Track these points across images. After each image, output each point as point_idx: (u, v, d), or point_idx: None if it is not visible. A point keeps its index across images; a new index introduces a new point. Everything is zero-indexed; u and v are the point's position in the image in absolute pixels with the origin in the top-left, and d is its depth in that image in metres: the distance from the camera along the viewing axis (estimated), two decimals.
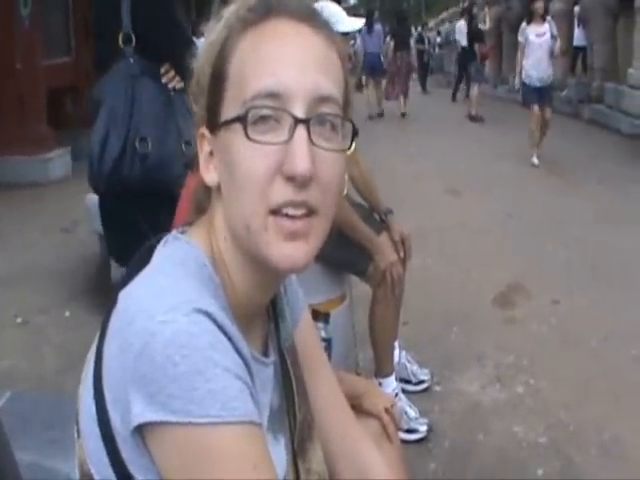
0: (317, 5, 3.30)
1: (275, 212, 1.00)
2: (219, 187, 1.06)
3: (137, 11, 3.12)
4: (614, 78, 13.74)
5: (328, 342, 2.74)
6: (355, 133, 1.10)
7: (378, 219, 3.69)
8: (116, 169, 3.00)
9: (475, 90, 16.04)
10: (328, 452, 1.32)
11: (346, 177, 3.64)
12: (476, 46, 17.34)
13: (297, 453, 1.20)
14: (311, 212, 1.02)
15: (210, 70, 1.06)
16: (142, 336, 0.92)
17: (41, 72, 10.04)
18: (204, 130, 1.08)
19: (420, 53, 23.46)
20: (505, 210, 7.66)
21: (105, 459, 0.98)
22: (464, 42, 17.54)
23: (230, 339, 0.96)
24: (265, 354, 1.17)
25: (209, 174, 1.08)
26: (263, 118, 1.00)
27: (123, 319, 0.97)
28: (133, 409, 0.92)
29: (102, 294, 4.49)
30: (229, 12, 1.08)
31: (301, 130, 0.99)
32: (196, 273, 1.03)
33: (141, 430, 0.93)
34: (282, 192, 0.99)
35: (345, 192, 3.62)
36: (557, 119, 14.45)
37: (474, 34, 17.32)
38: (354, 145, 3.26)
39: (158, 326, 0.91)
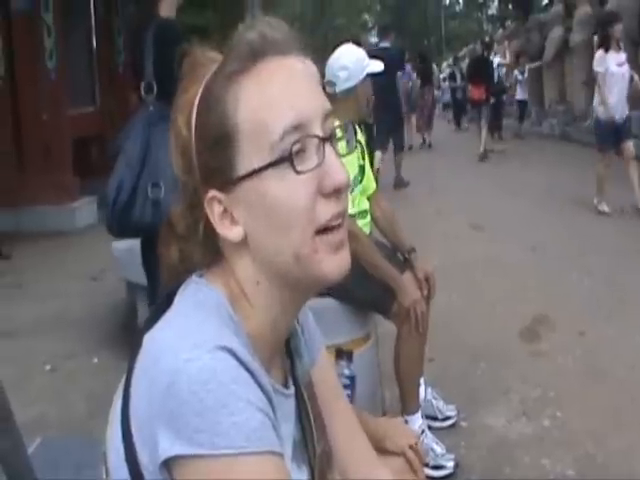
0: (343, 49, 3.40)
1: (319, 231, 1.06)
2: (242, 239, 1.08)
3: (163, 60, 3.19)
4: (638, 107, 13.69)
5: (351, 380, 2.76)
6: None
7: (401, 258, 3.72)
8: (127, 212, 3.08)
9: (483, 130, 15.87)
10: None
11: (369, 218, 3.69)
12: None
13: None
14: (344, 216, 1.09)
15: (203, 135, 1.08)
16: (168, 374, 0.95)
17: (67, 122, 10.22)
18: (214, 192, 1.08)
19: (453, 90, 23.52)
20: (530, 244, 7.64)
21: None
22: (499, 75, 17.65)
23: (252, 374, 0.99)
24: (286, 386, 1.20)
25: (230, 230, 1.08)
26: (297, 151, 1.04)
27: (149, 359, 1.01)
28: (161, 444, 0.95)
29: (129, 340, 4.53)
30: (205, 75, 1.10)
31: (328, 147, 1.06)
32: (216, 313, 1.06)
33: (169, 465, 0.96)
34: (325, 210, 1.05)
35: (369, 232, 3.66)
36: (579, 151, 14.47)
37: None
38: (374, 186, 3.31)
39: (183, 364, 0.95)
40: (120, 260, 5.08)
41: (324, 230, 1.06)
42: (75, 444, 3.08)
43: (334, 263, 1.08)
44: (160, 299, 1.14)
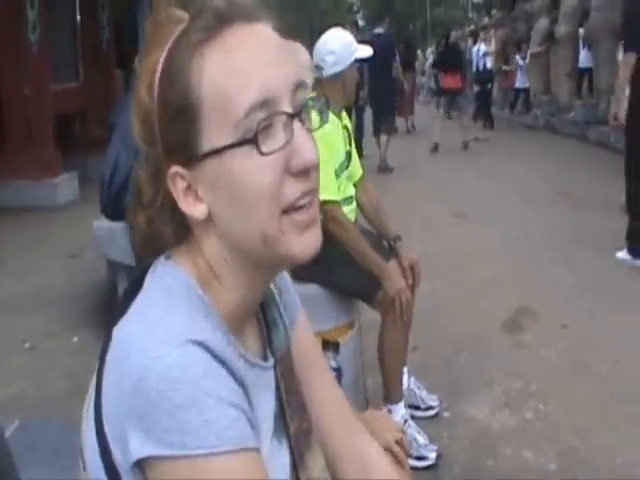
0: (331, 33, 3.33)
1: (286, 211, 1.01)
2: (208, 217, 1.04)
3: None
4: None
5: (338, 371, 2.73)
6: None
7: (387, 246, 3.70)
8: (123, 193, 3.00)
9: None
10: (330, 453, 1.31)
11: (354, 204, 3.66)
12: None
13: (297, 465, 1.20)
14: (314, 195, 1.04)
15: (166, 106, 1.02)
16: (136, 372, 0.93)
17: (49, 97, 10.14)
18: (176, 168, 1.03)
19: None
20: (513, 233, 7.64)
21: None
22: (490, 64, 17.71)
23: (223, 362, 0.97)
24: (264, 358, 1.17)
25: (193, 208, 1.04)
26: (262, 130, 0.98)
27: (118, 355, 0.98)
28: (131, 444, 0.93)
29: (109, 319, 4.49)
30: (168, 40, 1.03)
31: (297, 124, 1.01)
32: (185, 297, 1.02)
33: (141, 465, 0.94)
34: (293, 189, 1.00)
35: (354, 219, 3.63)
36: (563, 142, 14.53)
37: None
38: (361, 172, 3.27)
39: (151, 362, 0.92)
40: (101, 238, 5.02)
41: (292, 209, 1.01)
42: (54, 428, 3.03)
43: (302, 244, 1.03)
44: (129, 283, 1.11)
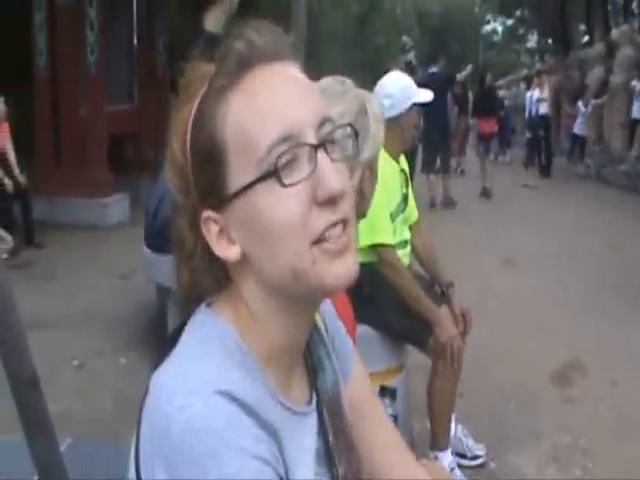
0: (391, 76, 3.32)
1: (316, 242, 1.00)
2: (242, 259, 1.05)
3: None
4: None
5: (395, 418, 2.70)
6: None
7: (439, 291, 3.69)
8: (167, 227, 3.02)
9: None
10: None
11: (409, 248, 3.65)
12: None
13: None
14: (346, 223, 1.03)
15: (196, 153, 1.04)
16: (163, 420, 0.94)
17: (104, 118, 10.28)
18: (208, 213, 1.05)
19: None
20: (562, 283, 7.58)
21: None
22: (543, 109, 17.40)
23: (251, 410, 0.96)
24: (310, 401, 1.17)
25: (227, 250, 1.05)
26: (286, 163, 0.99)
27: (150, 401, 0.99)
28: None
29: (156, 344, 4.52)
30: (198, 93, 1.06)
31: (321, 154, 1.00)
32: (220, 346, 1.02)
33: None
34: (321, 220, 1.00)
35: (408, 263, 3.63)
36: (614, 192, 14.38)
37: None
38: (416, 215, 3.25)
39: (176, 411, 0.93)
40: (150, 262, 5.04)
41: (323, 239, 1.00)
42: (106, 449, 3.05)
43: (334, 272, 1.01)
44: (172, 332, 1.11)
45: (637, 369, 5.20)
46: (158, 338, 5.01)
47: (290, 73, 1.05)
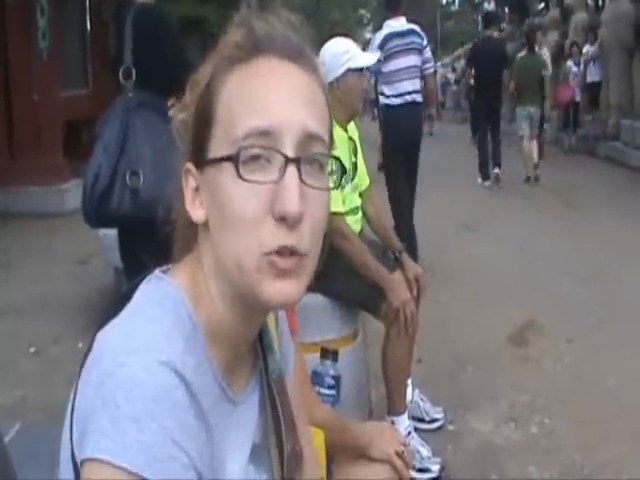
0: (328, 43, 3.27)
1: (267, 253, 0.99)
2: (206, 223, 1.06)
3: (141, 46, 3.14)
4: (630, 115, 13.71)
5: (336, 380, 2.72)
6: (344, 171, 1.09)
7: (392, 257, 3.68)
8: (104, 201, 3.01)
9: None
10: None
11: (360, 215, 3.65)
12: None
13: None
14: (295, 253, 1.00)
15: (195, 107, 1.07)
16: (102, 374, 0.93)
17: (58, 104, 10.16)
18: (190, 165, 1.07)
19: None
20: (519, 246, 7.63)
21: None
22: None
23: (188, 390, 0.96)
24: (248, 387, 1.16)
25: (196, 210, 1.06)
26: (254, 157, 0.99)
27: (93, 357, 0.99)
28: (83, 444, 0.93)
29: None
30: (216, 50, 1.09)
31: (292, 169, 0.99)
32: (172, 313, 1.02)
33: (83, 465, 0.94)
34: (274, 234, 0.98)
35: (360, 229, 3.62)
36: (572, 156, 14.50)
37: None
38: (367, 182, 3.26)
39: (115, 367, 0.93)
40: (108, 245, 5.02)
41: (272, 253, 0.99)
42: (55, 433, 3.02)
43: (275, 288, 1.00)
44: (123, 293, 1.11)
45: (592, 327, 5.27)
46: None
47: (296, 76, 1.05)
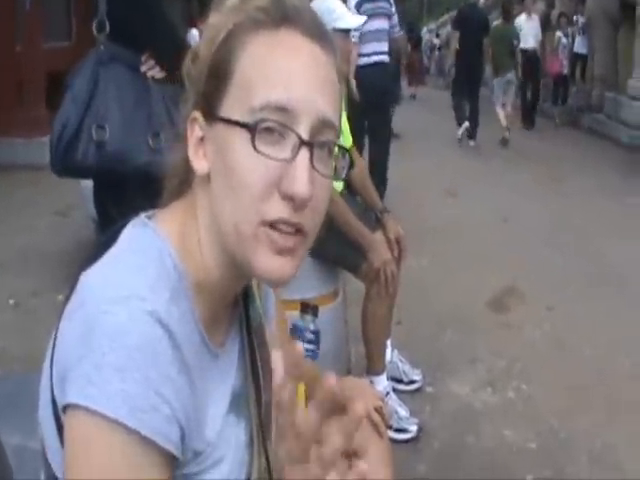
0: (317, 0, 3.20)
1: (267, 225, 0.99)
2: (207, 176, 1.04)
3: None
4: (614, 88, 13.71)
5: (316, 335, 2.73)
6: (351, 165, 1.09)
7: (373, 217, 3.68)
8: (70, 152, 2.98)
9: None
10: None
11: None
12: None
13: (265, 435, 1.18)
14: (301, 233, 1.01)
15: (211, 58, 1.04)
16: (85, 322, 0.93)
17: (41, 55, 10.00)
18: (197, 114, 1.05)
19: None
20: (502, 214, 7.64)
21: (56, 442, 1.00)
22: (531, 43, 14.79)
23: (172, 340, 0.94)
24: (227, 337, 1.16)
25: (199, 161, 1.05)
26: (269, 130, 0.98)
27: (75, 302, 0.98)
28: (65, 389, 0.93)
29: None
30: (235, 5, 1.05)
31: (304, 152, 0.98)
32: (157, 263, 1.01)
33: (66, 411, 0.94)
34: (278, 209, 0.98)
35: (341, 189, 3.61)
36: (561, 129, 14.50)
37: None
38: (350, 142, 3.22)
39: (100, 316, 0.92)
40: (88, 197, 4.95)
41: (272, 226, 0.99)
42: (34, 380, 3.02)
43: (270, 263, 1.00)
44: (108, 234, 1.08)
45: (572, 294, 5.32)
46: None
47: (319, 57, 1.04)
